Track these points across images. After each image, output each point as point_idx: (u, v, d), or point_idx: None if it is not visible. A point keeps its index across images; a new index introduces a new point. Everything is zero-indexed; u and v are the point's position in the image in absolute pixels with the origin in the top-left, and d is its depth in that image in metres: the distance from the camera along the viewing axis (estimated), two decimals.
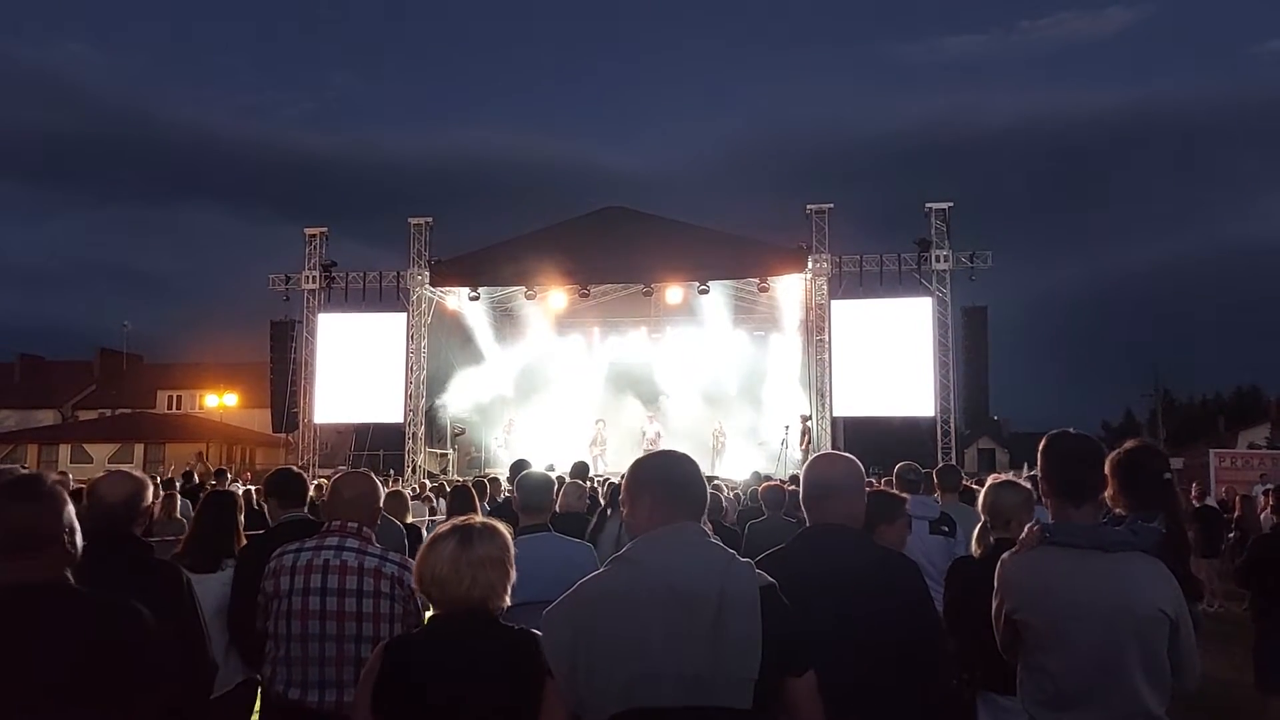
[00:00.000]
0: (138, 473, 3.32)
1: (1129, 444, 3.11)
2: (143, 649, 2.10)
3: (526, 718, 2.20)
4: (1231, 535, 12.38)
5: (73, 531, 2.16)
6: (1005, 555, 2.70)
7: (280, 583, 3.19)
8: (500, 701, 2.21)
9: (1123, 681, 2.42)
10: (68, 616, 2.05)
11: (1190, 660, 2.49)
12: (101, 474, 3.34)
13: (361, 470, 3.61)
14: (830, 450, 3.21)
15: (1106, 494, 2.76)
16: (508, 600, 2.39)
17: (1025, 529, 2.74)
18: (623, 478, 2.44)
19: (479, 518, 2.51)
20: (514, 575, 2.42)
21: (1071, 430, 2.74)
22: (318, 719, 3.11)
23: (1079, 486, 2.61)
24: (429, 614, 2.48)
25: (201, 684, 3.01)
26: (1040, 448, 2.70)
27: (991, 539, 3.60)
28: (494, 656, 2.26)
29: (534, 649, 2.25)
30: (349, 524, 3.29)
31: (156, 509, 9.23)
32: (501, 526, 2.48)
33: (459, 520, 2.47)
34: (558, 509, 4.68)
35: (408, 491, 10.34)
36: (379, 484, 3.51)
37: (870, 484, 3.41)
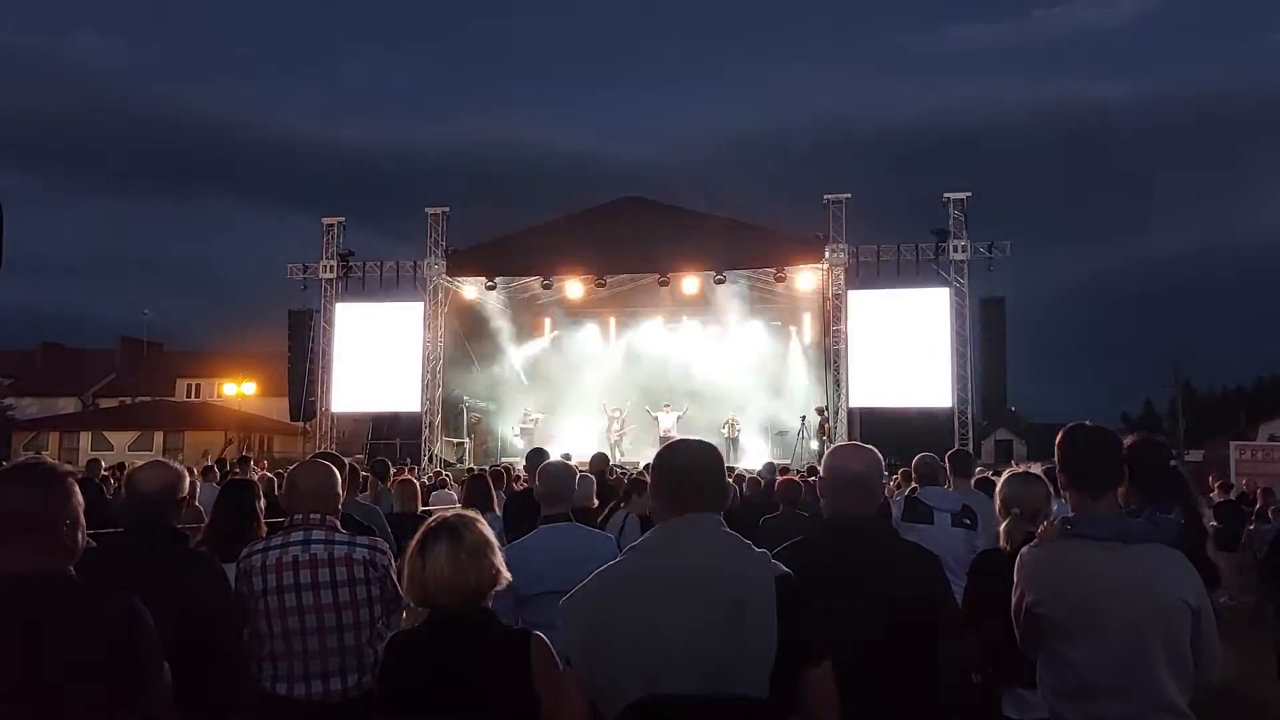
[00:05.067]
0: (174, 463, 3.30)
1: (1130, 438, 3.12)
2: (139, 646, 2.07)
3: (516, 716, 2.25)
4: (1251, 528, 12.27)
5: (74, 524, 2.11)
6: (1025, 548, 2.69)
7: (254, 584, 3.15)
8: (493, 701, 2.25)
9: (1146, 673, 2.41)
10: (63, 610, 2.02)
11: (1212, 650, 2.48)
12: (137, 463, 3.33)
13: (319, 458, 3.60)
14: (850, 441, 3.20)
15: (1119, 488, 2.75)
16: (504, 579, 2.42)
17: (1044, 522, 2.72)
18: (641, 468, 2.46)
19: (451, 510, 2.54)
20: (499, 561, 2.44)
21: (1088, 422, 2.74)
22: (307, 710, 3.10)
23: (1098, 478, 2.60)
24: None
25: (241, 669, 3.05)
26: (1057, 440, 2.69)
27: (1024, 532, 3.53)
28: (489, 656, 2.30)
29: (527, 649, 2.30)
30: (311, 515, 3.25)
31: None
32: (478, 516, 2.51)
33: (433, 520, 2.47)
34: None
35: (423, 480, 10.41)
36: (336, 471, 3.47)
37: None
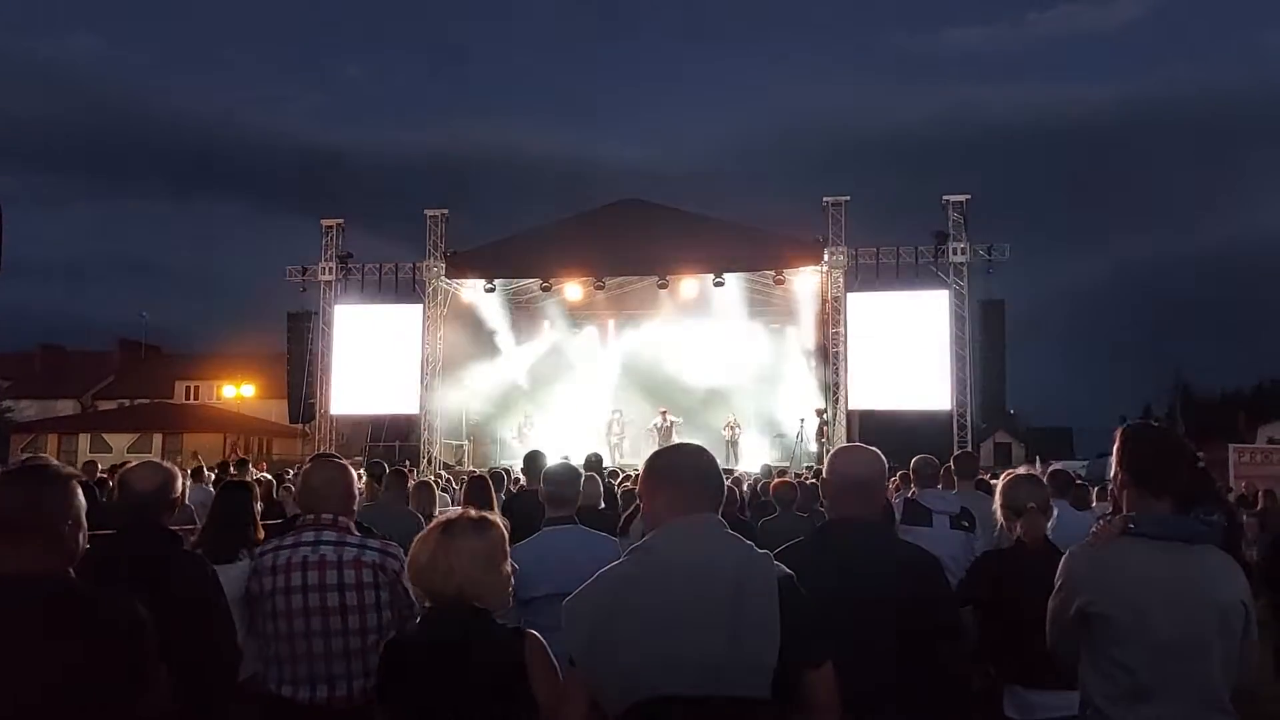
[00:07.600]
0: (167, 463, 3.30)
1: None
2: (138, 647, 2.06)
3: (512, 715, 2.24)
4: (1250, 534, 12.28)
5: (75, 525, 2.11)
6: (1076, 547, 2.65)
7: (263, 583, 3.13)
8: (486, 700, 2.25)
9: (1201, 673, 2.40)
10: (62, 612, 2.01)
11: (1253, 653, 2.49)
12: (131, 463, 3.33)
13: (331, 457, 3.57)
14: (853, 443, 3.20)
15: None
16: (496, 596, 2.40)
17: (1101, 521, 2.69)
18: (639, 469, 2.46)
19: (475, 511, 2.52)
20: (506, 570, 2.44)
21: (1154, 421, 2.71)
22: (311, 715, 3.07)
23: (1160, 478, 2.56)
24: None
25: (229, 672, 3.03)
26: (1121, 436, 2.65)
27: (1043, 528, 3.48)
28: (484, 655, 2.29)
29: (522, 649, 2.29)
30: (324, 516, 3.22)
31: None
32: (499, 520, 2.49)
33: (453, 513, 2.49)
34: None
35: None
36: (351, 470, 3.44)
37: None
